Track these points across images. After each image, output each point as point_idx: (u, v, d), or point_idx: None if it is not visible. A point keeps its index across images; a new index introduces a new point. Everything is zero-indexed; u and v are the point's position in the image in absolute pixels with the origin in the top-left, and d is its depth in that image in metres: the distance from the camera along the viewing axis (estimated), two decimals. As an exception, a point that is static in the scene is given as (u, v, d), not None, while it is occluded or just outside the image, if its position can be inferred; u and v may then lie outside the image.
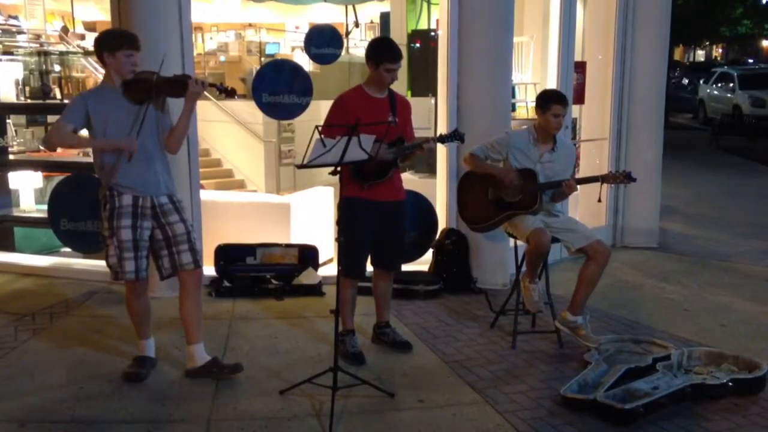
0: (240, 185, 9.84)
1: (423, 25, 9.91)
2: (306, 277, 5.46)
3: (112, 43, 3.71)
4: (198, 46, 13.09)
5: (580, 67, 6.55)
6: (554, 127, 4.41)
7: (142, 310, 3.97)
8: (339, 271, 3.86)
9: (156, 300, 5.01)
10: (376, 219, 4.15)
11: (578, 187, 4.50)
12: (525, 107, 7.02)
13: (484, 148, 4.59)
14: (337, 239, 3.80)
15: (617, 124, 6.83)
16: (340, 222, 3.88)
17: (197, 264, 3.86)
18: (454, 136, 4.24)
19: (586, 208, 6.68)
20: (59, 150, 7.04)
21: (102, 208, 3.79)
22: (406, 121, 4.24)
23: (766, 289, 5.72)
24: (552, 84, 6.23)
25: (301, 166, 3.54)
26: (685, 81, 23.19)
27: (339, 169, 3.60)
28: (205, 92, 3.86)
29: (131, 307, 3.96)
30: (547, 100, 4.43)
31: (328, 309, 4.75)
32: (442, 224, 5.74)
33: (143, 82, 3.71)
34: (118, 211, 3.72)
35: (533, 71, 6.98)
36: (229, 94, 3.78)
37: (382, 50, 4.13)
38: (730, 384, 3.76)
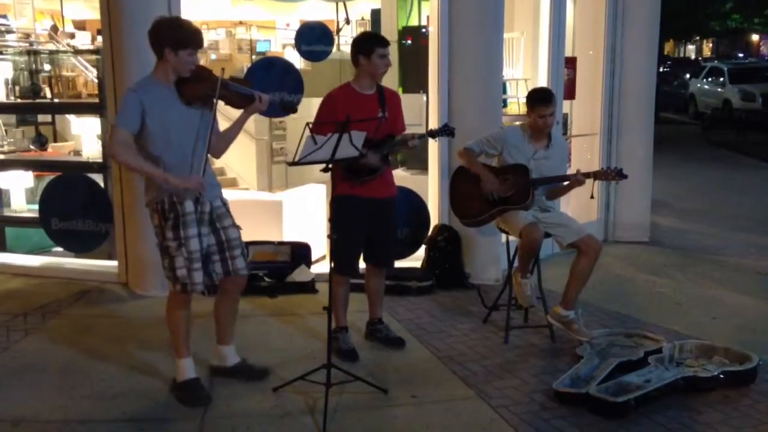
0: (232, 183, 9.80)
1: (414, 22, 9.90)
2: (299, 275, 5.46)
3: (177, 38, 3.36)
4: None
5: (571, 62, 6.56)
6: (540, 127, 4.41)
7: (187, 321, 3.71)
8: (331, 269, 3.86)
9: (149, 299, 5.02)
10: (368, 216, 4.15)
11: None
12: (516, 103, 7.02)
13: (479, 142, 4.58)
14: (330, 236, 3.80)
15: (608, 119, 6.85)
16: (332, 219, 3.89)
17: (248, 269, 3.76)
18: (444, 131, 4.25)
19: (577, 203, 6.70)
20: (50, 149, 7.03)
21: (159, 215, 3.49)
22: (396, 114, 4.23)
23: (756, 282, 5.76)
24: (543, 80, 6.24)
25: (293, 164, 3.54)
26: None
27: (330, 166, 3.60)
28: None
29: (176, 320, 3.67)
30: (532, 101, 4.44)
31: (321, 306, 4.71)
32: (434, 220, 5.74)
33: (202, 83, 3.44)
34: (184, 220, 3.47)
35: (524, 67, 6.97)
36: (290, 110, 3.92)
37: (370, 38, 4.17)
38: (721, 376, 3.79)
